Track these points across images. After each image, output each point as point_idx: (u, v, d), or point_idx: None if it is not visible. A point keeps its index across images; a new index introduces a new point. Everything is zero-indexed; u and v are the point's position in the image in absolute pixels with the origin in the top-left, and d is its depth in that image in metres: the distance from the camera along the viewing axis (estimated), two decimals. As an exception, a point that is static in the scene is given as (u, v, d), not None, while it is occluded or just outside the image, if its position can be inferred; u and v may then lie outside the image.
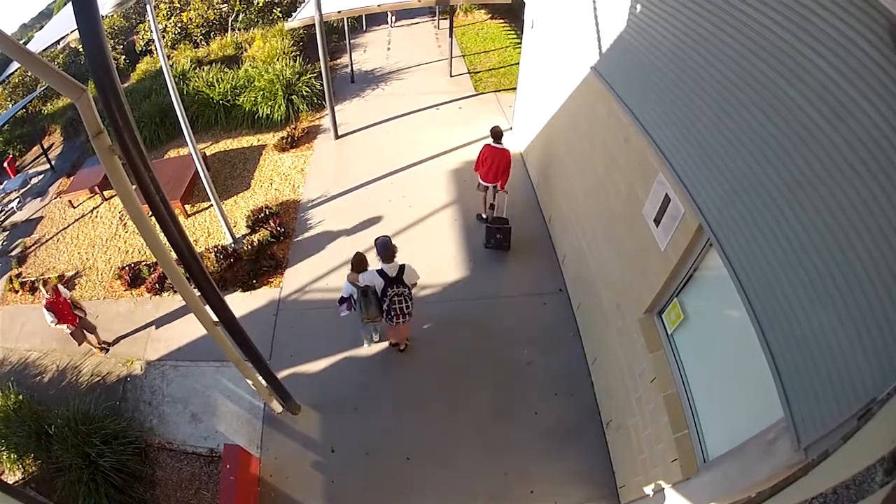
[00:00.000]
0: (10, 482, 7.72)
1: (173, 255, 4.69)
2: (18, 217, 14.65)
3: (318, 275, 9.86)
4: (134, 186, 4.02)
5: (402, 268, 6.95)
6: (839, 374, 2.80)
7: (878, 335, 2.57)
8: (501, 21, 20.96)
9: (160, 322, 9.67)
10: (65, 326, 8.84)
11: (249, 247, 10.36)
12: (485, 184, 9.80)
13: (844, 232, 2.80)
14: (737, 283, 3.73)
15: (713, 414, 4.74)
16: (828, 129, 2.93)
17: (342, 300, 7.54)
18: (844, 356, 2.77)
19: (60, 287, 8.91)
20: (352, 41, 18.37)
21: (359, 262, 7.36)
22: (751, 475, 3.53)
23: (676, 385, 5.14)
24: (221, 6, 21.26)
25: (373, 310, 7.14)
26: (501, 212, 10.02)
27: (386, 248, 6.88)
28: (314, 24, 11.93)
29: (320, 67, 13.01)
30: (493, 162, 9.31)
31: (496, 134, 9.29)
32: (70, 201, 13.73)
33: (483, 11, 21.81)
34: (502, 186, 9.51)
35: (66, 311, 8.77)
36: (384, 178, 12.14)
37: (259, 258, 10.18)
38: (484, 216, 10.51)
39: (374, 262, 7.33)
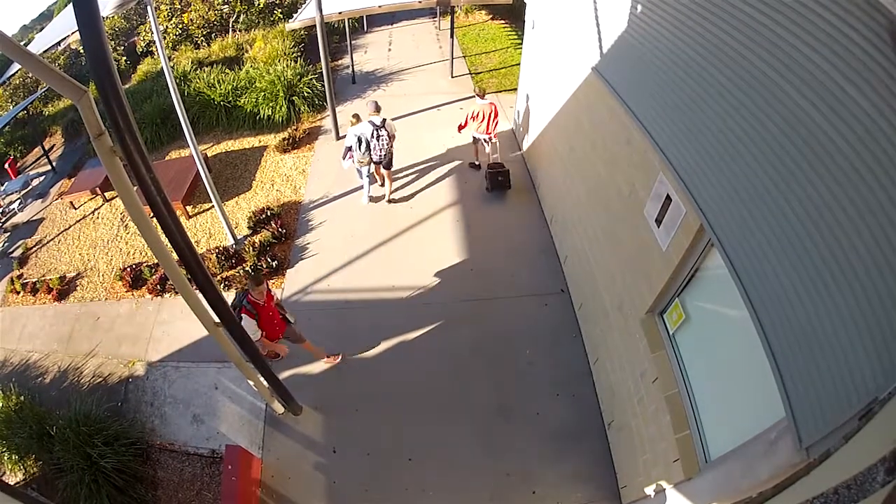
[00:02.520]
0: (12, 483, 7.73)
1: (175, 256, 4.69)
2: (20, 218, 14.65)
3: (319, 275, 9.86)
4: (135, 188, 4.02)
5: (384, 120, 10.33)
6: (841, 374, 2.80)
7: (879, 334, 2.57)
8: (502, 22, 20.96)
9: (161, 323, 9.67)
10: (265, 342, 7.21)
11: (251, 248, 10.37)
12: (479, 136, 11.44)
13: (845, 231, 2.80)
14: (738, 283, 3.73)
15: (715, 414, 4.74)
16: (828, 128, 2.93)
17: (346, 150, 10.72)
18: (846, 355, 2.77)
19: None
20: (353, 42, 18.37)
21: (356, 118, 10.65)
22: (752, 475, 3.53)
23: (678, 385, 5.14)
24: (222, 7, 21.26)
25: (363, 151, 10.40)
26: (497, 157, 11.52)
27: (375, 106, 10.30)
28: (315, 25, 11.93)
29: (321, 68, 13.02)
30: (483, 115, 10.98)
31: (481, 92, 11.09)
32: (71, 202, 13.77)
33: (484, 12, 21.81)
34: (492, 134, 11.29)
35: (276, 320, 7.23)
36: (385, 179, 12.16)
37: (260, 259, 10.17)
38: (476, 163, 12.21)
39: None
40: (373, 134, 10.22)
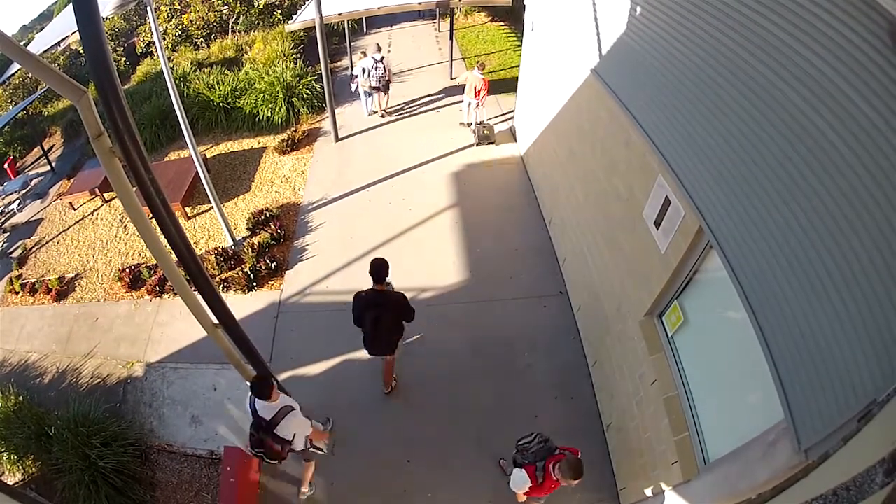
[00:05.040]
0: (11, 483, 7.72)
1: (174, 257, 4.69)
2: (19, 218, 14.66)
3: (318, 277, 9.85)
4: (134, 188, 4.03)
5: (382, 57, 13.53)
6: (839, 376, 2.80)
7: (877, 337, 2.57)
8: (502, 23, 20.99)
9: (160, 324, 9.68)
10: None
11: (250, 249, 10.35)
12: (468, 99, 13.22)
13: (844, 234, 2.81)
14: (737, 286, 3.73)
15: (713, 416, 4.74)
16: (827, 130, 2.93)
17: (353, 77, 14.67)
18: (844, 358, 2.77)
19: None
20: (352, 43, 18.37)
21: (364, 54, 13.86)
22: (751, 477, 3.53)
23: (677, 387, 5.14)
24: (222, 8, 21.28)
25: (366, 78, 13.73)
26: (484, 119, 13.65)
27: (377, 46, 13.64)
28: (315, 27, 11.94)
29: (321, 70, 13.02)
30: (473, 86, 12.74)
31: (480, 66, 12.82)
32: (70, 203, 13.76)
33: (483, 14, 21.85)
34: (483, 100, 13.08)
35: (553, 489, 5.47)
36: (384, 181, 12.15)
37: (259, 260, 10.18)
38: (466, 123, 14.16)
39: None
40: (374, 66, 13.53)
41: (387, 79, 14.07)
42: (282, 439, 5.67)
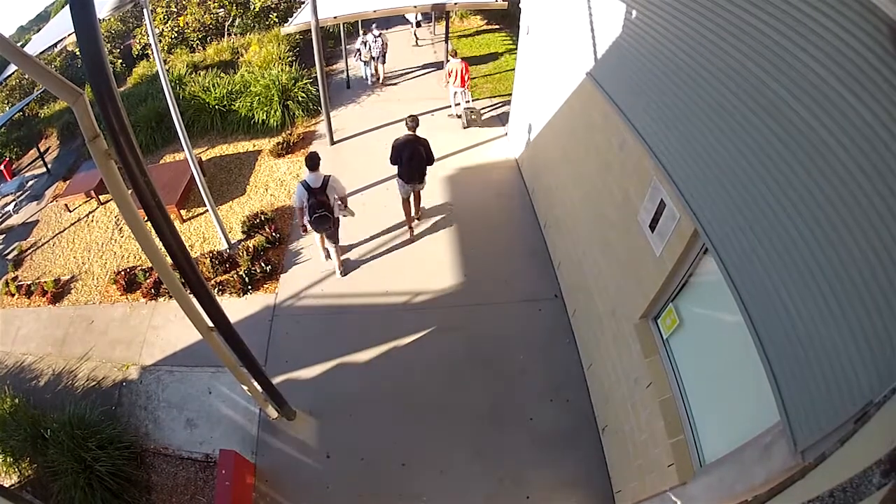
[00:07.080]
0: (7, 485, 7.70)
1: (169, 260, 4.68)
2: (14, 220, 14.63)
3: (313, 280, 9.83)
4: (130, 191, 4.02)
5: (381, 33, 16.39)
6: (835, 377, 2.80)
7: (874, 338, 2.58)
8: (497, 27, 21.01)
9: (155, 327, 9.65)
10: None
11: (245, 252, 10.35)
12: (454, 88, 14.12)
13: (841, 237, 2.81)
14: (732, 288, 3.73)
15: (709, 418, 4.74)
16: (824, 133, 2.94)
17: (356, 51, 17.29)
18: (840, 359, 2.77)
19: None
20: (347, 47, 18.42)
21: (365, 31, 16.87)
22: (747, 479, 3.53)
23: (672, 390, 5.14)
24: (218, 11, 21.28)
25: (367, 50, 16.52)
26: (469, 104, 14.37)
27: (375, 26, 16.41)
28: (310, 30, 11.95)
29: (316, 73, 13.04)
30: (456, 71, 13.61)
31: (454, 52, 14.14)
32: (66, 205, 13.74)
33: (479, 17, 21.87)
34: (465, 85, 13.95)
35: None
36: (380, 184, 12.13)
37: (254, 264, 10.17)
38: (455, 114, 14.81)
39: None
40: (374, 40, 16.38)
41: (384, 51, 16.76)
42: (328, 200, 8.36)
